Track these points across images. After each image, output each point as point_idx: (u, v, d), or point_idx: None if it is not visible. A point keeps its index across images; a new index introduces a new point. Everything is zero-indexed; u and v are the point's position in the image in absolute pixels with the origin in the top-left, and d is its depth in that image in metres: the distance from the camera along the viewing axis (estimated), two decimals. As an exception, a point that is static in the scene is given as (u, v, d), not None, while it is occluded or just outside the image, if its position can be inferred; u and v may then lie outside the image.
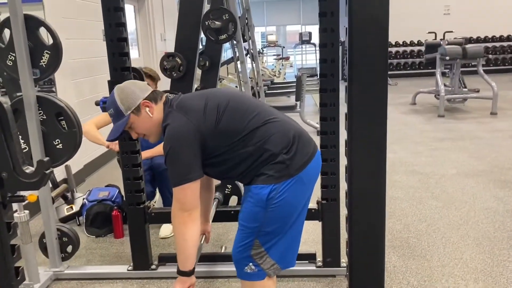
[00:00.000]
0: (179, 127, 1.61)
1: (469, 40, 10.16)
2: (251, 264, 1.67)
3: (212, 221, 2.20)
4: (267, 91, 7.53)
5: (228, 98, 1.69)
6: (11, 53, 2.24)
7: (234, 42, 4.93)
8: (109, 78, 2.27)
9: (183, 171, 1.60)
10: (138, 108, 1.69)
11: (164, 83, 3.31)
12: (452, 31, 9.71)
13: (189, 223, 1.62)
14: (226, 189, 3.09)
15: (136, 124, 1.72)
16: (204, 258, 2.44)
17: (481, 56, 6.82)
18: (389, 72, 11.47)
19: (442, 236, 2.84)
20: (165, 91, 1.87)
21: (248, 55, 6.56)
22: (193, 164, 1.61)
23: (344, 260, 2.39)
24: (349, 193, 1.45)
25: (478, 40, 11.89)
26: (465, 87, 7.32)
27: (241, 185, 3.05)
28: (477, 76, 6.97)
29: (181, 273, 1.67)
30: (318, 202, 2.35)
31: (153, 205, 2.53)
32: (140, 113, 1.70)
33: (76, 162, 4.09)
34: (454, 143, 5.15)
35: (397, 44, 12.16)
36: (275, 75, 10.01)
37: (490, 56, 11.61)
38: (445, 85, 6.96)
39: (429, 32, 9.73)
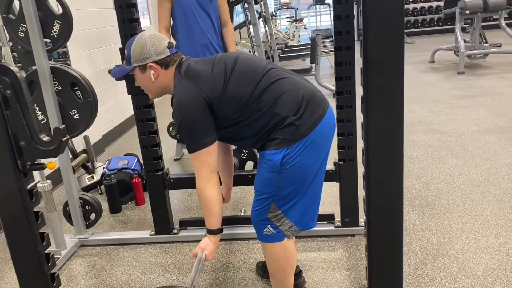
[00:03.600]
0: (187, 94, 1.61)
1: (491, -7, 9.72)
2: (269, 226, 1.69)
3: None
4: (281, 55, 7.42)
5: (234, 61, 1.66)
6: (22, 24, 2.24)
7: (246, 5, 4.82)
8: (121, 46, 2.26)
9: (198, 137, 1.61)
10: (144, 66, 1.68)
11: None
12: (472, -16, 9.29)
13: (209, 183, 1.66)
14: (242, 154, 3.11)
15: (137, 77, 1.74)
16: (225, 221, 2.44)
17: (504, 8, 6.53)
18: (406, 30, 11.11)
19: (462, 193, 2.81)
20: None
21: (261, 18, 6.43)
22: (206, 129, 1.61)
23: (362, 219, 2.40)
24: (365, 150, 1.43)
25: (500, -8, 11.38)
26: (486, 42, 7.06)
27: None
28: (499, 30, 6.72)
29: (209, 231, 1.74)
30: (335, 163, 2.35)
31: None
32: (145, 72, 1.69)
33: (95, 133, 4.15)
34: (475, 100, 5.02)
35: (414, 0, 11.72)
36: (289, 38, 9.81)
37: (513, 8, 11.12)
38: (465, 41, 6.73)
39: (448, -14, 9.34)
